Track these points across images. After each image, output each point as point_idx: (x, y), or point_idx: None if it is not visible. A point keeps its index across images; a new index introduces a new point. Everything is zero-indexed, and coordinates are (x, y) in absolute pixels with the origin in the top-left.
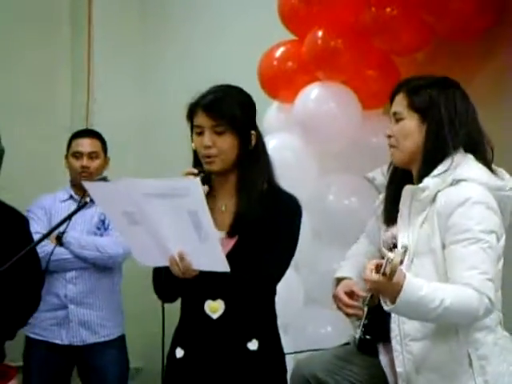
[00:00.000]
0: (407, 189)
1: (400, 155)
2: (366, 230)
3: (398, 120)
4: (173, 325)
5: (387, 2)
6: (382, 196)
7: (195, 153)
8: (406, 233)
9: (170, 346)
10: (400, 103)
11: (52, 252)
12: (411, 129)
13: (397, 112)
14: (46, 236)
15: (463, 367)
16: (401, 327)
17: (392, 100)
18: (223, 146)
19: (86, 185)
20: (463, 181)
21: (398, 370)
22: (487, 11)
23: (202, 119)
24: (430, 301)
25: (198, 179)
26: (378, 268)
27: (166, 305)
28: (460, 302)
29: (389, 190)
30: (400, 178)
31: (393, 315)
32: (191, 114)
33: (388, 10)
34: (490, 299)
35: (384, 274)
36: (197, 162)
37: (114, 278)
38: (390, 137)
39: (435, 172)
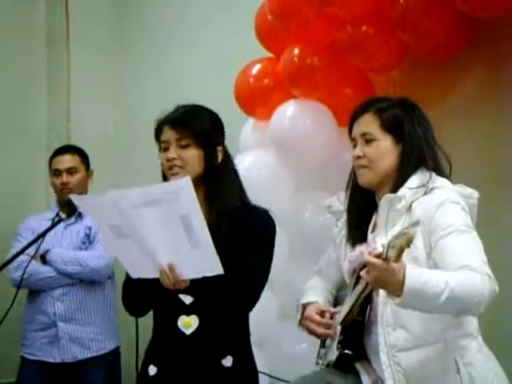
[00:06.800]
0: (385, 198)
1: (372, 176)
2: (319, 268)
3: (368, 141)
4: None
5: (363, 20)
6: (340, 222)
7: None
8: (383, 241)
9: (142, 363)
10: (370, 124)
11: (25, 269)
12: (387, 149)
13: (367, 133)
14: (19, 254)
15: (451, 375)
16: (386, 339)
17: (353, 121)
18: (188, 158)
19: (74, 198)
20: (436, 188)
21: (388, 382)
22: (461, 31)
23: (167, 134)
24: (435, 285)
25: (188, 177)
26: (378, 256)
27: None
28: (464, 282)
29: (351, 213)
30: (361, 199)
31: (377, 327)
32: (158, 133)
33: (363, 28)
34: (490, 277)
35: (385, 259)
36: (166, 180)
37: (104, 291)
38: (359, 157)
39: (410, 184)
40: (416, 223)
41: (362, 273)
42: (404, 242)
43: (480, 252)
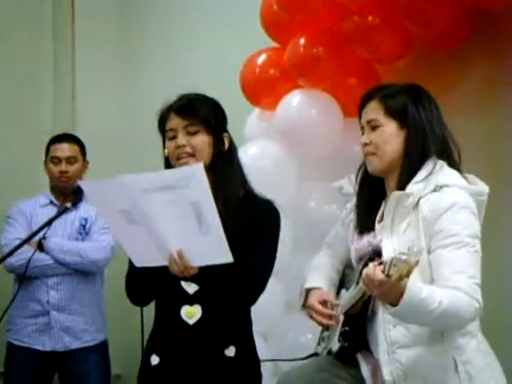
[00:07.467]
0: (395, 195)
1: (379, 162)
2: (328, 242)
3: (374, 127)
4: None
5: (369, 10)
6: (349, 205)
7: (167, 162)
8: (389, 239)
9: (145, 352)
10: (375, 110)
11: (31, 257)
12: (391, 134)
13: (372, 119)
14: (25, 241)
15: (450, 373)
16: (387, 334)
17: (361, 110)
18: (197, 145)
19: (82, 184)
20: (445, 186)
21: (387, 378)
22: (467, 22)
23: (174, 122)
24: (430, 303)
25: (201, 164)
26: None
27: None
28: (454, 304)
29: (360, 198)
30: (370, 186)
31: (377, 323)
32: (163, 121)
33: (369, 18)
34: (479, 303)
35: (388, 275)
36: None
37: (96, 283)
38: (366, 145)
39: (418, 178)
40: (419, 252)
41: (363, 284)
42: (405, 271)
43: (476, 272)
